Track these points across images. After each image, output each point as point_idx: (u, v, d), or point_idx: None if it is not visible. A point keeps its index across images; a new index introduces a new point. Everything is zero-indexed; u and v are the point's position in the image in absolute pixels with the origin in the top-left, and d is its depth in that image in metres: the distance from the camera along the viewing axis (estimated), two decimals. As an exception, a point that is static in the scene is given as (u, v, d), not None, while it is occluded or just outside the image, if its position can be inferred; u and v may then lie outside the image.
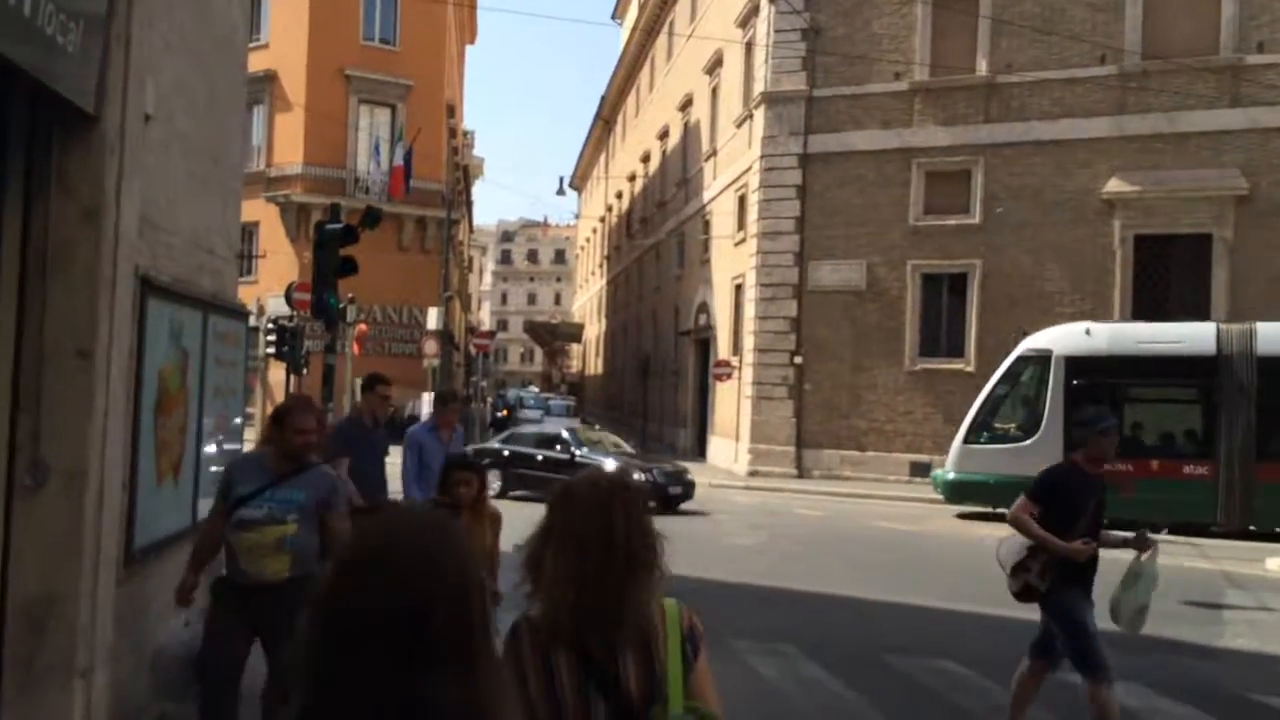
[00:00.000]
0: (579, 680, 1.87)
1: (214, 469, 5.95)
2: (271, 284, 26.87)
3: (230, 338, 6.22)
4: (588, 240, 62.38)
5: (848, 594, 10.39)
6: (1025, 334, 18.26)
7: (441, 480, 5.07)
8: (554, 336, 64.74)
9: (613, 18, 55.13)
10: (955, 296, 22.84)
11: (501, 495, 16.46)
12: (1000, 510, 15.65)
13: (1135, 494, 14.33)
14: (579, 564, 1.91)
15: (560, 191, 40.47)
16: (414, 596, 1.23)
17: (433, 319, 29.90)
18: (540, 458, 18.38)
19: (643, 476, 15.18)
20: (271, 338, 20.18)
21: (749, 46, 26.62)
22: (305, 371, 22.77)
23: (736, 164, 26.93)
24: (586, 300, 62.76)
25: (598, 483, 2.03)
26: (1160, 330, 16.97)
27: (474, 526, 4.78)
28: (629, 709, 1.92)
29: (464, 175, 51.27)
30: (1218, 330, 16.41)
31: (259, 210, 31.81)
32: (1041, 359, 17.12)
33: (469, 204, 61.02)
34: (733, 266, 26.84)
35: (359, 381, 25.73)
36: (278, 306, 21.61)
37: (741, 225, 26.30)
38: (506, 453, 19.01)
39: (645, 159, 41.07)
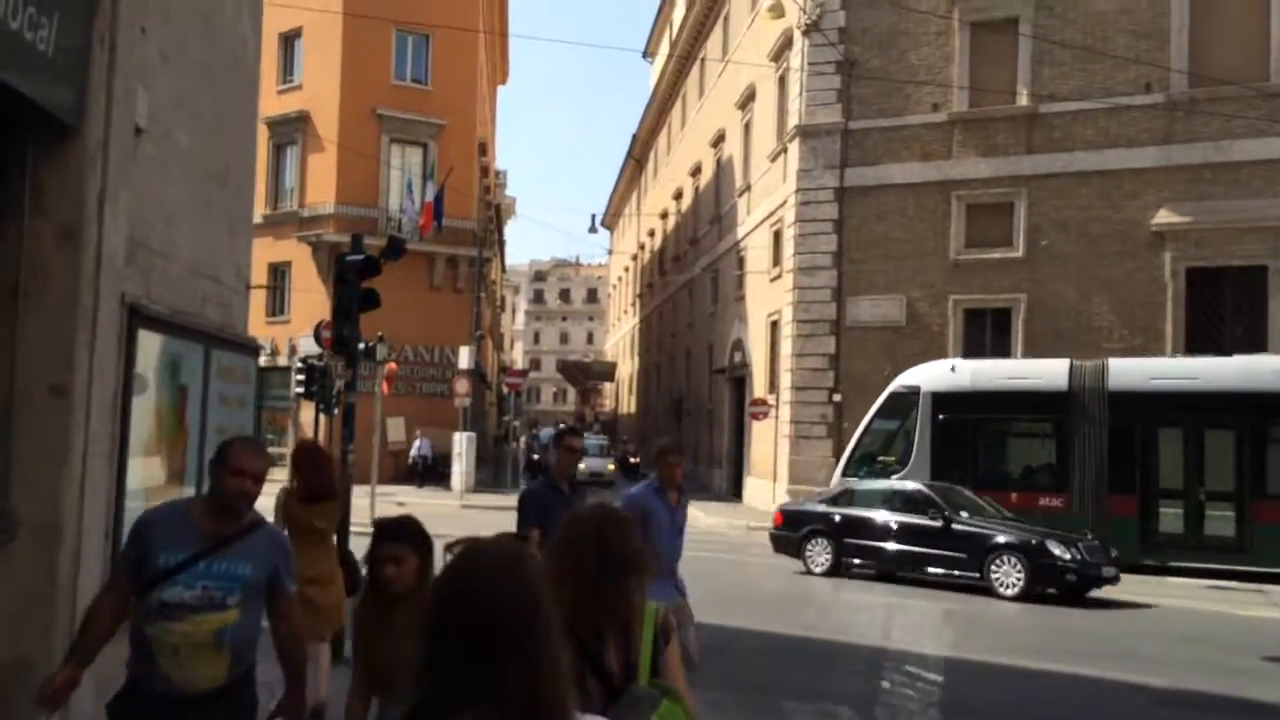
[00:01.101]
0: (573, 659, 1.98)
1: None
2: (304, 324, 26.70)
3: (237, 373, 5.78)
4: (620, 279, 62.15)
5: (903, 649, 9.72)
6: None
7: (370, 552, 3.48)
8: (587, 375, 64.37)
9: (644, 56, 55.20)
10: (999, 332, 22.16)
11: (833, 571, 14.44)
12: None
13: None
14: (575, 566, 2.29)
15: (592, 229, 40.30)
16: (498, 609, 1.58)
17: (464, 358, 29.56)
18: (895, 525, 14.11)
19: (1065, 553, 12.60)
20: (301, 377, 19.85)
21: (782, 80, 26.27)
22: (336, 411, 22.39)
23: (771, 199, 26.49)
24: (619, 339, 62.42)
25: (595, 508, 2.53)
26: (1020, 367, 18.09)
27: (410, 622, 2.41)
28: (611, 685, 2.29)
29: (496, 214, 51.31)
30: (1071, 366, 17.06)
31: (292, 250, 31.79)
32: (912, 395, 17.86)
33: (501, 244, 61.08)
34: (768, 303, 26.32)
35: (389, 421, 25.35)
36: (309, 346, 21.36)
37: (777, 261, 25.80)
38: (838, 518, 14.68)
39: (677, 196, 40.79)
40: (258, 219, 33.16)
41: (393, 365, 21.70)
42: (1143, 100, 21.41)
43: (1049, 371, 17.26)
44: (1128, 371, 16.65)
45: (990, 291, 22.21)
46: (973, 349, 21.59)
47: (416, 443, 29.69)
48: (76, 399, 3.71)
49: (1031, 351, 20.95)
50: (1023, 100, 22.43)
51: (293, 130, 33.76)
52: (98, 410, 3.85)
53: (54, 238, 3.70)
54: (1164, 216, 20.92)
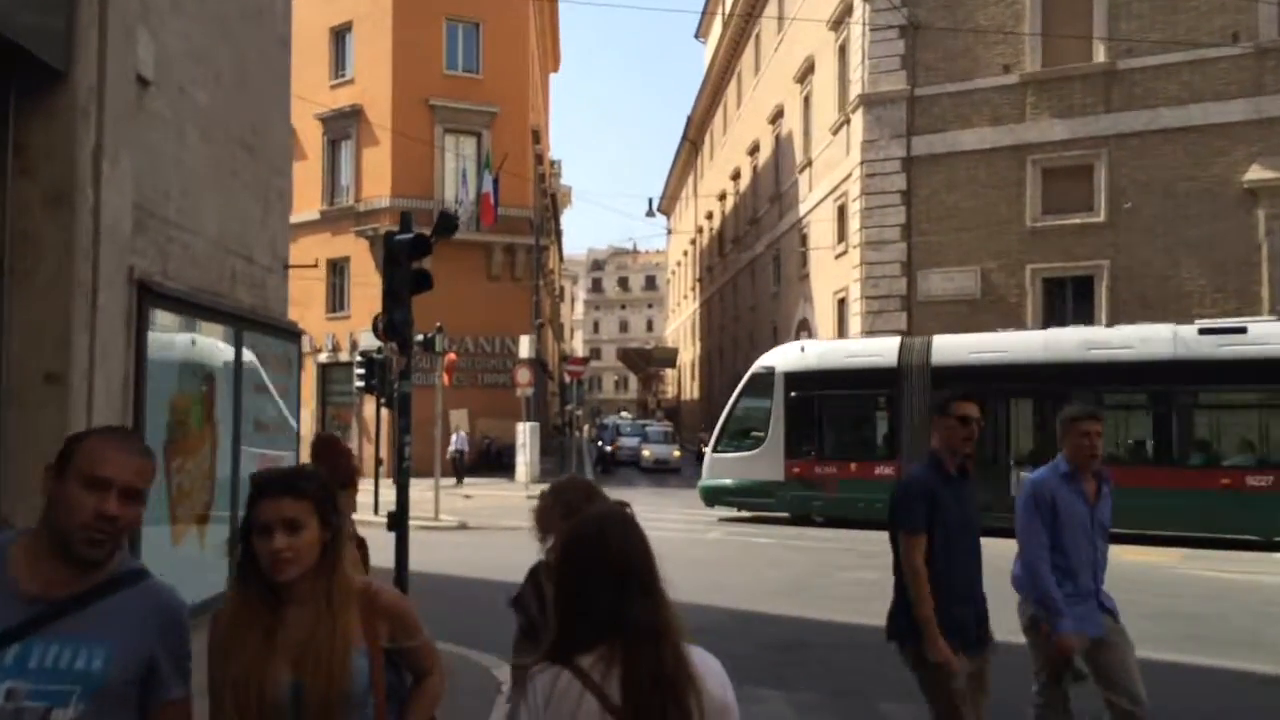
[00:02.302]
0: None
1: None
2: (364, 319, 26.34)
3: (275, 360, 5.27)
4: (678, 264, 61.41)
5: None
6: None
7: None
8: (648, 363, 63.80)
9: (696, 37, 54.33)
10: (1081, 301, 21.10)
11: None
12: (752, 515, 18.76)
13: (837, 493, 17.65)
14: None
15: (650, 213, 39.60)
16: (628, 555, 1.99)
17: (525, 347, 29.13)
18: None
19: None
20: (361, 371, 19.55)
21: (843, 49, 25.35)
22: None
23: (834, 173, 25.62)
24: (680, 324, 61.73)
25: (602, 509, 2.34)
26: (857, 346, 19.37)
27: (314, 631, 2.24)
28: None
29: (552, 203, 50.90)
30: (901, 343, 18.16)
31: (349, 245, 31.64)
32: (769, 375, 18.90)
33: (558, 233, 60.71)
34: (834, 280, 25.48)
35: (452, 413, 24.99)
36: (369, 340, 21.07)
37: (842, 236, 24.95)
38: None
39: (735, 176, 39.96)
40: (314, 214, 33.38)
41: (452, 356, 21.30)
42: (1229, 51, 20.21)
43: (882, 349, 18.37)
44: (950, 347, 17.52)
45: (1070, 259, 21.18)
46: (1053, 319, 20.58)
47: (454, 437, 29.06)
48: (75, 388, 3.19)
49: (1119, 320, 19.83)
50: (1100, 56, 21.32)
51: (346, 124, 33.59)
52: (103, 400, 3.32)
53: (42, 203, 3.18)
54: (1255, 173, 19.72)
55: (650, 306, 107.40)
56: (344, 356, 31.58)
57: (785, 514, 18.42)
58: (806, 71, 28.68)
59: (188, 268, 4.15)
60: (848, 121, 24.54)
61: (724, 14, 42.06)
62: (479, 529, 18.25)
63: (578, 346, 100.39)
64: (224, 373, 4.42)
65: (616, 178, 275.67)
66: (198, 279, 4.25)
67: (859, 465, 17.79)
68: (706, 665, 2.01)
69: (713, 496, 19.42)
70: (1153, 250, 20.47)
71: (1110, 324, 19.48)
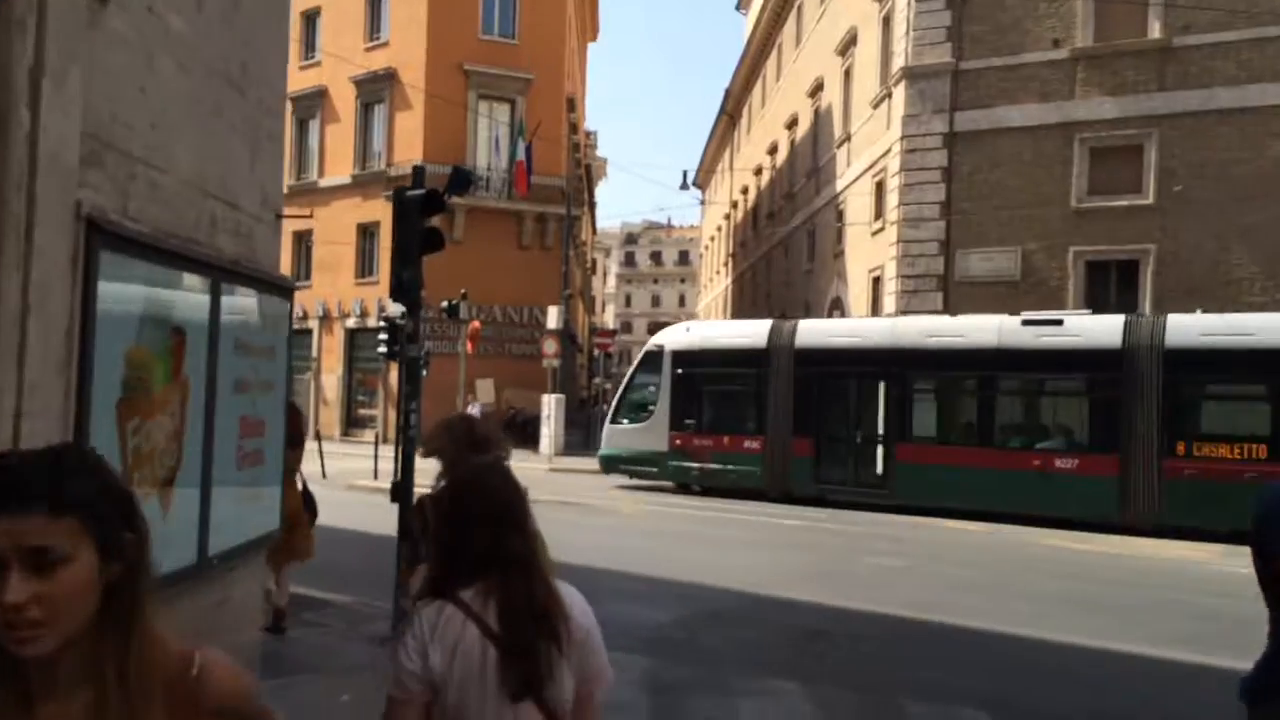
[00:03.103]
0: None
1: (236, 491, 4.62)
2: (390, 284, 26.24)
3: (264, 317, 4.90)
4: (712, 238, 60.76)
5: (1030, 634, 8.51)
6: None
7: None
8: (678, 338, 63.23)
9: (737, 9, 53.46)
10: (1125, 286, 20.41)
11: None
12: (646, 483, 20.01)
13: (711, 464, 19.12)
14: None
15: (684, 186, 38.95)
16: (503, 498, 2.20)
17: (553, 318, 28.77)
18: None
19: None
20: (384, 336, 19.24)
21: (887, 20, 24.61)
22: (425, 372, 22.00)
23: (873, 148, 24.95)
24: (711, 300, 61.13)
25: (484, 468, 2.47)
26: (733, 327, 20.82)
27: None
28: None
29: (586, 174, 50.40)
30: (771, 326, 19.33)
31: (380, 210, 31.36)
32: (659, 353, 20.16)
33: (592, 205, 60.21)
34: (870, 258, 24.88)
35: (478, 383, 24.70)
36: (398, 307, 20.74)
37: (879, 213, 24.32)
38: None
39: (772, 151, 39.24)
40: (345, 179, 33.12)
41: (476, 324, 20.96)
42: (1292, 29, 19.34)
43: (754, 331, 19.56)
44: (812, 330, 18.98)
45: (1116, 242, 20.46)
46: (1096, 303, 19.88)
47: (470, 407, 28.74)
48: (3, 336, 2.82)
49: (1164, 307, 19.18)
50: (1155, 33, 20.51)
51: (380, 88, 33.27)
52: (38, 353, 2.96)
53: (-33, 122, 2.80)
54: (1315, 157, 18.92)
55: (683, 281, 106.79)
56: (372, 322, 31.34)
57: (669, 482, 19.99)
58: (848, 44, 27.95)
59: (155, 209, 3.77)
60: (889, 95, 23.85)
61: (766, -15, 41.26)
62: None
63: (609, 320, 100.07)
64: (196, 327, 4.04)
65: (653, 151, 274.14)
66: (168, 222, 3.87)
67: (730, 439, 19.11)
68: (572, 597, 2.22)
69: (608, 464, 20.86)
70: (1202, 235, 19.73)
71: (1156, 310, 18.84)
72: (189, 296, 3.98)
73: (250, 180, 4.78)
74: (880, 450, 17.97)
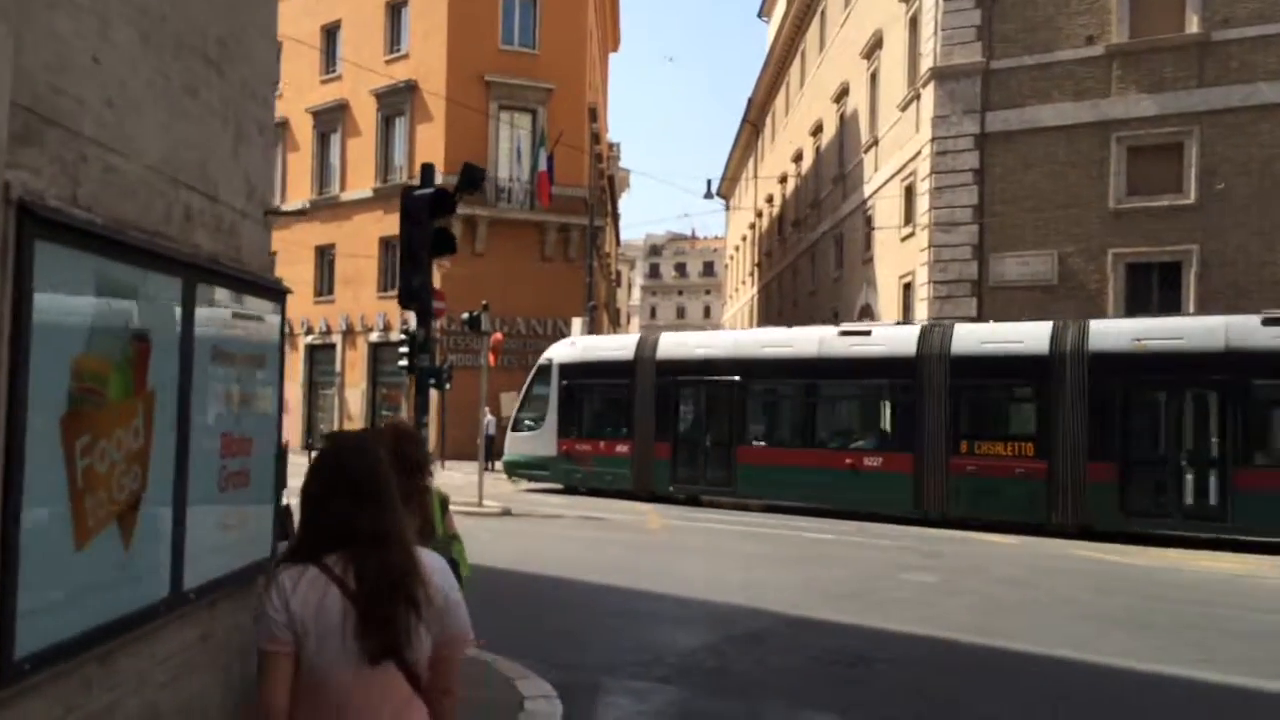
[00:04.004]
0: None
1: (218, 516, 4.16)
2: (411, 296, 25.89)
3: (250, 323, 4.44)
4: (737, 248, 60.22)
5: (1086, 658, 7.91)
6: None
7: None
8: (704, 349, 62.64)
9: (759, 15, 53.04)
10: (1167, 289, 19.75)
11: None
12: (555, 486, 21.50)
13: (592, 467, 20.81)
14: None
15: (708, 195, 38.51)
16: (358, 475, 2.26)
17: (577, 329, 28.33)
18: None
19: None
20: (405, 349, 18.85)
21: (914, 21, 24.08)
22: (449, 386, 21.87)
23: (902, 151, 24.39)
24: (737, 310, 60.54)
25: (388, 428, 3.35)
26: (611, 341, 22.44)
27: None
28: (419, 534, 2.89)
29: (609, 186, 49.98)
30: (639, 340, 21.14)
31: (400, 222, 31.02)
32: (548, 365, 21.82)
33: (615, 217, 59.78)
34: (900, 264, 24.29)
35: (502, 396, 24.24)
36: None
37: (909, 218, 23.75)
38: None
39: (797, 158, 38.71)
40: (367, 192, 32.87)
41: (498, 335, 20.56)
42: (1338, 20, 18.67)
43: (624, 344, 21.28)
44: (671, 342, 20.65)
45: (1156, 243, 19.81)
46: (1137, 307, 19.28)
47: (486, 420, 28.24)
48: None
49: (1209, 309, 18.49)
50: (1193, 27, 19.90)
51: (400, 100, 33.06)
52: (-46, 357, 2.49)
53: None
54: (1365, 152, 18.22)
55: (708, 293, 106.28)
56: (395, 336, 30.97)
57: (558, 485, 21.51)
58: (874, 46, 27.42)
59: (113, 197, 3.32)
60: (918, 97, 23.30)
61: (789, -9, 40.81)
62: (522, 516, 17.50)
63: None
64: (164, 332, 3.58)
65: (676, 161, 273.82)
66: (130, 213, 3.42)
67: (606, 444, 20.73)
68: (433, 566, 2.30)
69: (510, 469, 22.50)
70: (1247, 234, 19.05)
71: (1199, 312, 18.18)
72: (156, 298, 3.53)
73: (233, 171, 4.33)
74: (725, 452, 19.39)
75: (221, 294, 4.13)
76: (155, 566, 3.60)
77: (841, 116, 31.54)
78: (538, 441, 21.62)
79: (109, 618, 3.25)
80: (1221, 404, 15.18)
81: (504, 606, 9.81)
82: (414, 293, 6.82)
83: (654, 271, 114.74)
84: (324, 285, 35.47)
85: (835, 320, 28.80)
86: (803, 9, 37.81)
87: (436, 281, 27.57)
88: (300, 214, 32.78)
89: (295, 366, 36.32)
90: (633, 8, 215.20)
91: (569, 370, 21.45)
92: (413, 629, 2.18)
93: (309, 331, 35.62)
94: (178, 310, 3.71)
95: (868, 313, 27.10)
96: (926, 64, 22.52)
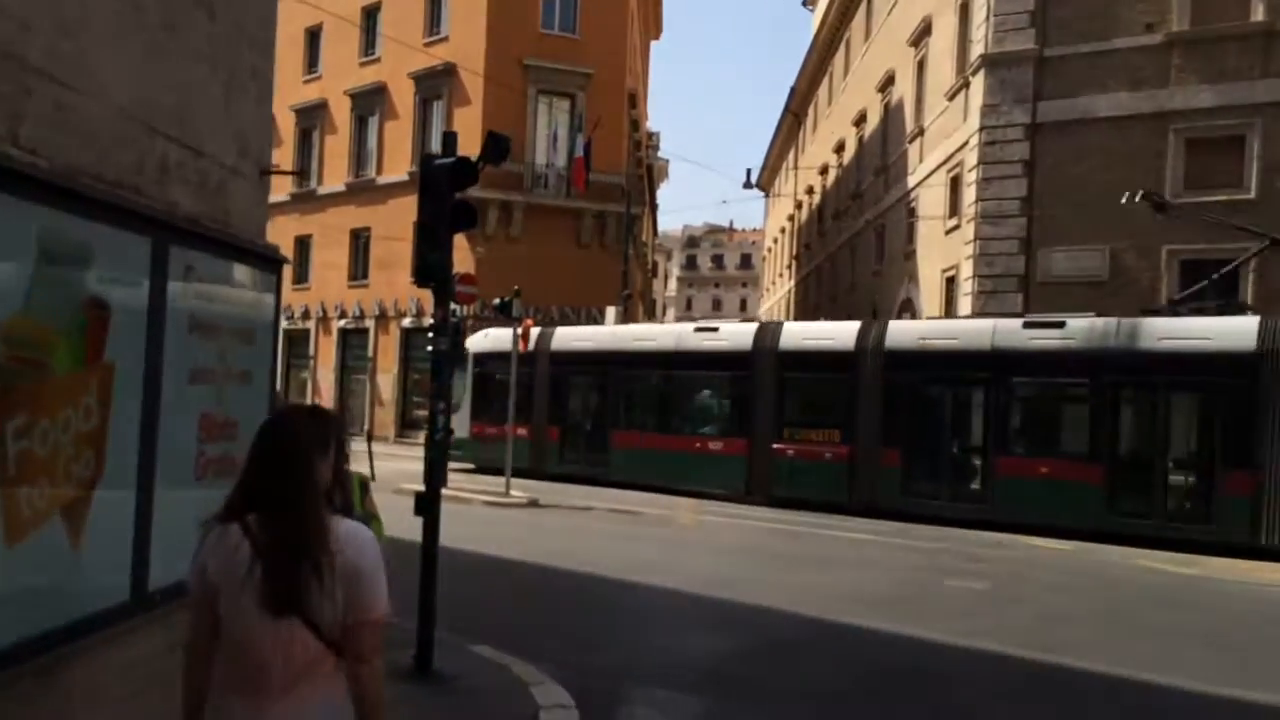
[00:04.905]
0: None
1: (194, 507, 3.71)
2: (446, 282, 25.57)
3: (239, 293, 4.01)
4: (775, 241, 59.49)
5: (1154, 679, 7.34)
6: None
7: None
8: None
9: (804, 4, 52.24)
10: (1225, 287, 18.84)
11: None
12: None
13: (499, 448, 20.44)
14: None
15: (748, 185, 37.87)
16: (281, 447, 2.38)
17: (611, 318, 27.87)
18: None
19: None
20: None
21: (964, 7, 23.32)
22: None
23: (948, 141, 23.67)
24: (774, 303, 59.85)
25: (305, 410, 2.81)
26: (507, 334, 21.85)
27: None
28: (338, 511, 2.62)
29: (648, 174, 49.46)
30: (540, 333, 22.06)
31: (435, 206, 30.69)
32: (466, 355, 22.57)
33: (653, 206, 59.28)
34: (943, 258, 23.59)
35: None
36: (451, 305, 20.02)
37: (954, 210, 23.03)
38: None
39: (839, 149, 37.96)
40: (402, 176, 32.58)
41: (529, 322, 20.11)
42: None
43: (504, 336, 21.28)
44: (562, 336, 22.16)
45: (1214, 240, 18.98)
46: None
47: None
48: None
49: (1269, 308, 17.65)
50: (1258, 15, 19.03)
51: (439, 83, 32.72)
52: None
53: None
54: None
55: (744, 285, 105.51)
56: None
57: (471, 465, 22.44)
58: (922, 34, 26.66)
59: (66, 139, 2.89)
60: (966, 85, 22.57)
61: (834, -21, 40.05)
62: (549, 507, 17.10)
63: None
64: (132, 299, 3.15)
65: (716, 152, 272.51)
66: (87, 159, 2.99)
67: (509, 427, 21.12)
68: (350, 536, 2.39)
69: None
70: (1311, 232, 18.18)
71: (1258, 312, 17.36)
72: (119, 259, 3.10)
73: (223, 123, 3.90)
74: (602, 436, 21.20)
75: (203, 259, 3.70)
76: (113, 566, 3.17)
77: (886, 106, 30.79)
78: (456, 424, 22.49)
79: (51, 625, 2.83)
80: (986, 398, 16.75)
81: (525, 603, 9.40)
82: (429, 269, 6.35)
83: (691, 263, 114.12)
84: (359, 269, 35.29)
85: (874, 317, 28.21)
86: (849, -3, 37.05)
87: (470, 266, 27.33)
88: (301, 189, 32.46)
89: (328, 351, 36.22)
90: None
91: (481, 359, 23.03)
92: (313, 590, 2.26)
93: (342, 315, 35.45)
94: (145, 273, 3.28)
95: (908, 308, 26.41)
96: (977, 51, 21.78)
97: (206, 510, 3.86)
